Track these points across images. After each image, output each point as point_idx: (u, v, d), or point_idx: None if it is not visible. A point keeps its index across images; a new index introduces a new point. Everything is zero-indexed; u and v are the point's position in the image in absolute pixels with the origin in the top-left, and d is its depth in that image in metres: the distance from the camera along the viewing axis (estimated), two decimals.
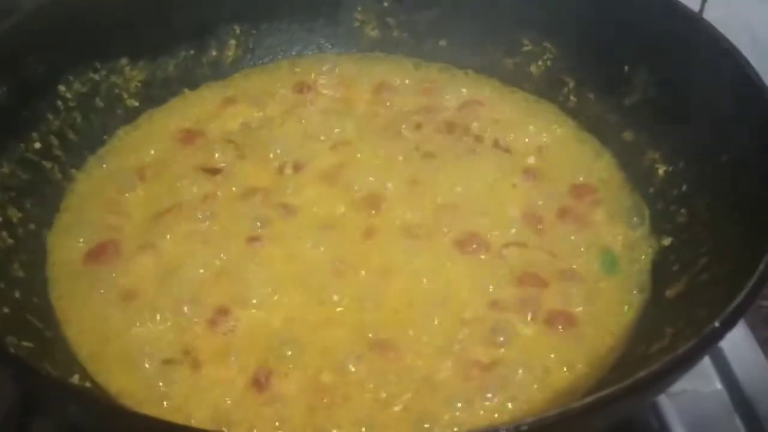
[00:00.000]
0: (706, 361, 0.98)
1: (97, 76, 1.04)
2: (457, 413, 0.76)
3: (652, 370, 0.59)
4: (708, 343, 0.63)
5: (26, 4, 1.02)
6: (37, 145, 0.95)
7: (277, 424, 0.75)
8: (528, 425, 0.55)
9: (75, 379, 0.75)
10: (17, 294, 0.81)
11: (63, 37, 0.99)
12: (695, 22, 0.97)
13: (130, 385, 0.77)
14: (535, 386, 0.79)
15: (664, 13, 0.99)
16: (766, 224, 0.73)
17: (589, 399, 0.56)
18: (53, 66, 0.98)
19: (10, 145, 0.91)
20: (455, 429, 0.74)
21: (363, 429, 0.75)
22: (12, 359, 0.62)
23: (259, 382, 0.78)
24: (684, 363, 0.62)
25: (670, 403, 0.92)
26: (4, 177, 0.89)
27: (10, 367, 0.63)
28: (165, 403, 0.76)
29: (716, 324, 0.62)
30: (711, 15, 1.40)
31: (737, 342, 0.99)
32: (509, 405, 0.77)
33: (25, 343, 0.73)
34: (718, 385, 0.95)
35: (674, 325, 0.79)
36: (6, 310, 0.76)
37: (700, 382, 0.95)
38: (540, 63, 1.14)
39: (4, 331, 0.71)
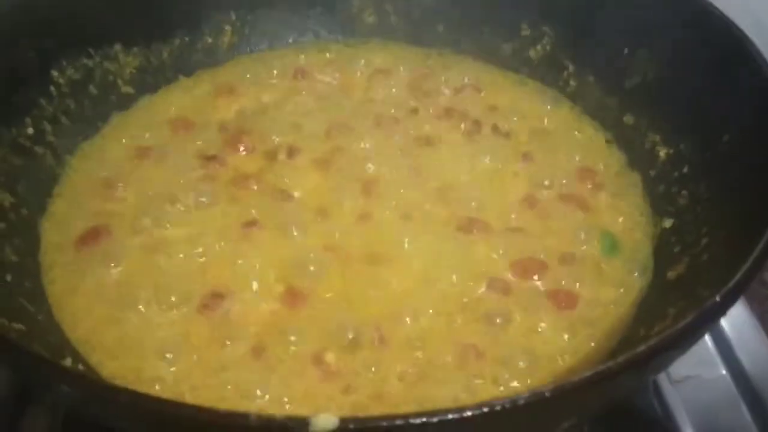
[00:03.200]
0: (711, 348, 0.98)
1: (90, 63, 1.03)
2: (457, 394, 0.75)
3: (650, 344, 0.58)
4: (707, 318, 0.61)
5: None
6: (30, 130, 0.94)
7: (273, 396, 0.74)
8: (525, 399, 0.53)
9: (68, 362, 0.74)
10: (9, 278, 0.80)
11: (56, 23, 0.98)
12: (696, 2, 0.95)
13: (123, 368, 0.76)
14: (537, 367, 0.77)
15: None
16: (765, 205, 0.71)
17: (586, 374, 0.55)
18: (46, 52, 0.98)
19: (1, 131, 0.90)
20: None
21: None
22: (2, 340, 0.61)
23: (256, 357, 0.77)
24: (683, 338, 0.61)
25: (674, 389, 0.92)
26: None
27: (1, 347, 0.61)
28: (157, 385, 0.75)
29: (717, 299, 0.61)
30: None
31: (741, 328, 0.99)
32: (510, 385, 0.76)
33: (15, 325, 0.72)
34: (723, 371, 0.95)
35: (676, 305, 0.78)
36: None
37: (705, 368, 0.95)
38: (539, 47, 1.13)
39: None
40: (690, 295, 0.77)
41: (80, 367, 0.75)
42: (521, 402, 0.53)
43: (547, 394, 0.53)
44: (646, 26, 1.00)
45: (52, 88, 0.98)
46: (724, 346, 0.97)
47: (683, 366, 0.94)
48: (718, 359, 0.97)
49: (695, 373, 0.94)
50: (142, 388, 0.73)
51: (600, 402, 0.62)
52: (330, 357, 0.78)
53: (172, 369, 0.76)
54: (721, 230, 0.82)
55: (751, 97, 0.85)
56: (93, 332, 0.80)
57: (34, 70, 0.96)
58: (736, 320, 0.99)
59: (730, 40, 0.89)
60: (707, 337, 0.98)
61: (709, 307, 0.61)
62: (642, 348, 0.57)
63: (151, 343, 0.79)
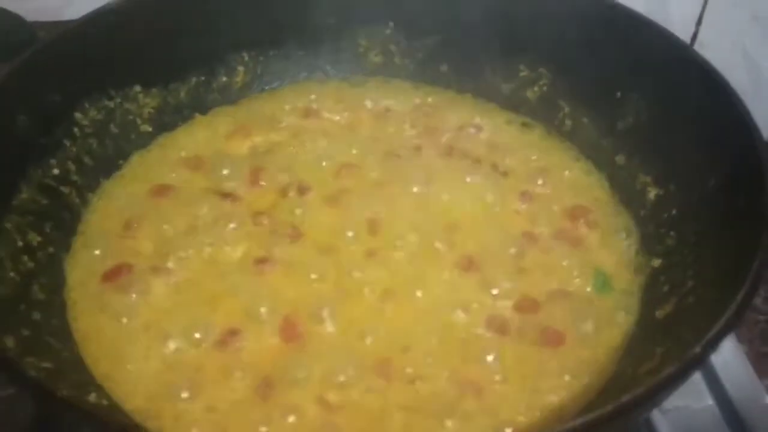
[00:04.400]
0: (698, 378, 1.00)
1: (111, 104, 1.08)
2: (455, 428, 0.79)
3: (637, 394, 0.62)
4: (690, 367, 0.66)
5: (43, 36, 1.06)
6: (56, 170, 0.98)
7: None
8: None
9: (92, 397, 0.79)
10: (37, 316, 0.85)
11: (79, 66, 1.02)
12: (685, 52, 1.00)
13: (146, 403, 0.81)
14: (527, 407, 0.82)
15: (656, 43, 1.02)
16: (748, 251, 0.75)
17: (574, 423, 0.60)
18: (70, 94, 1.02)
19: (29, 172, 0.95)
20: None
21: None
22: (29, 381, 0.66)
23: (264, 394, 0.82)
24: (668, 386, 0.66)
25: (662, 418, 0.95)
26: (24, 203, 0.92)
27: (28, 389, 0.66)
28: (177, 419, 0.80)
29: (697, 349, 0.66)
30: (705, 35, 1.44)
31: (728, 358, 1.01)
32: (501, 424, 0.80)
33: (44, 364, 0.77)
34: (710, 401, 0.98)
35: (663, 345, 0.82)
36: (26, 332, 0.80)
37: (692, 398, 0.98)
38: (536, 88, 1.17)
39: (23, 353, 0.75)
40: (676, 337, 0.81)
41: (104, 402, 0.79)
42: None
43: None
44: (638, 72, 1.04)
45: (75, 129, 1.02)
46: (711, 376, 1.01)
47: (673, 396, 0.98)
48: (705, 389, 1.00)
49: (684, 404, 0.97)
50: (164, 424, 0.78)
51: None
52: (333, 394, 0.83)
53: (191, 405, 0.81)
54: (706, 274, 0.86)
55: (734, 144, 0.89)
56: (116, 368, 0.84)
57: (60, 112, 1.00)
58: (723, 351, 1.02)
59: (715, 88, 0.93)
60: None
61: (689, 358, 0.66)
62: (626, 398, 0.62)
63: (169, 378, 0.83)
